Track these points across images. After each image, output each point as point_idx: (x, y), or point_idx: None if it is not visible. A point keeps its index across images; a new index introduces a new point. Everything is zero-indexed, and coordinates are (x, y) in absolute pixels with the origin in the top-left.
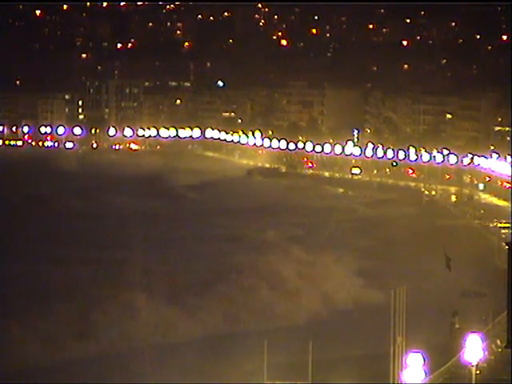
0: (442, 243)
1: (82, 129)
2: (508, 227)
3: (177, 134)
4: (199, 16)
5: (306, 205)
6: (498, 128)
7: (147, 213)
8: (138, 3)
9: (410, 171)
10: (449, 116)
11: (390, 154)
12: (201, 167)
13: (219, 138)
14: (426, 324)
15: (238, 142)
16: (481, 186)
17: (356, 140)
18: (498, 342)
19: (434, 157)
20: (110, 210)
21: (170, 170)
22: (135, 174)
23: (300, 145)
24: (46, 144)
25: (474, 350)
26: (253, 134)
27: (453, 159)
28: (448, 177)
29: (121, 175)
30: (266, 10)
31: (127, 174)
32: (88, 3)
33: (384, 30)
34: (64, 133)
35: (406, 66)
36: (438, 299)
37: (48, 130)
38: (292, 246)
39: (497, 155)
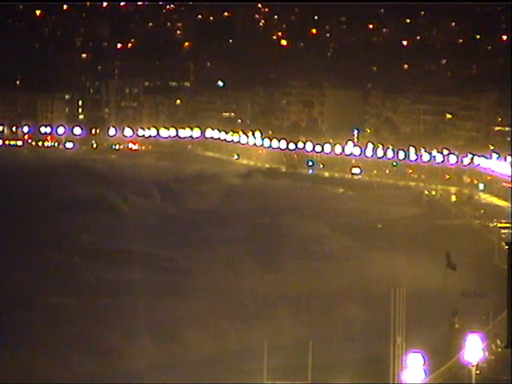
0: (442, 243)
1: (82, 129)
2: (508, 227)
3: (177, 134)
4: (199, 16)
5: (317, 207)
6: (497, 128)
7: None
8: (138, 3)
9: (410, 171)
10: (449, 116)
11: (389, 154)
12: (204, 169)
13: (219, 138)
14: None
15: (238, 141)
16: (481, 186)
17: (356, 140)
18: (498, 341)
19: (434, 157)
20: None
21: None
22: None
23: (300, 145)
24: (46, 144)
25: (473, 349)
26: (253, 134)
27: (453, 159)
28: (448, 177)
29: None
30: (266, 9)
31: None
32: (88, 3)
33: (384, 29)
34: (64, 133)
35: (406, 65)
36: (439, 297)
37: (48, 130)
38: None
39: (497, 155)
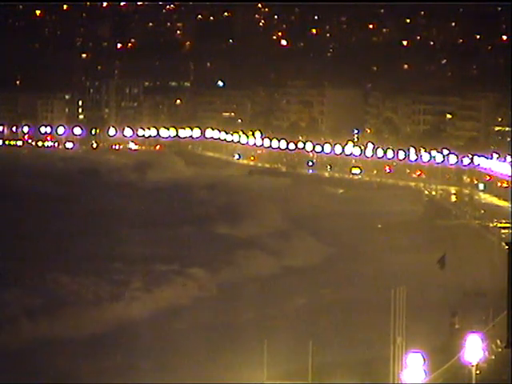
0: (442, 243)
1: (82, 129)
2: (508, 227)
3: (177, 134)
4: (199, 16)
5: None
6: (497, 128)
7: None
8: (138, 3)
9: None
10: (449, 116)
11: (390, 154)
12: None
13: (219, 138)
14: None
15: (238, 141)
16: (481, 186)
17: (356, 140)
18: (498, 341)
19: (434, 157)
20: None
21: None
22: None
23: (300, 145)
24: (46, 144)
25: (473, 349)
26: (253, 134)
27: (453, 159)
28: (448, 177)
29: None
30: (266, 9)
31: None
32: (88, 3)
33: (384, 29)
34: (64, 133)
35: (406, 66)
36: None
37: (48, 130)
38: None
39: (497, 155)
